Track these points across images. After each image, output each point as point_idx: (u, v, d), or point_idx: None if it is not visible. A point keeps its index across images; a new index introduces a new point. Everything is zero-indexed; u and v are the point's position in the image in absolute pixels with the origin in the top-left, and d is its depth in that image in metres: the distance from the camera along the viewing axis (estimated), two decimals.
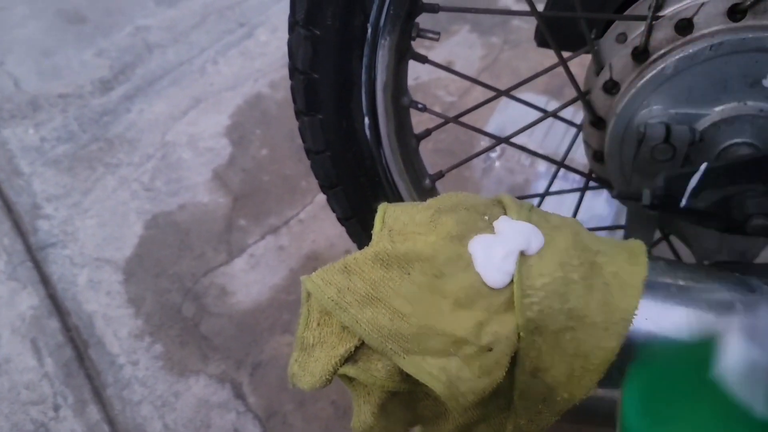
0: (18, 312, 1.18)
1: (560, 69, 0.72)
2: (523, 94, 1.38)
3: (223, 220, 1.32)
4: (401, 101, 0.77)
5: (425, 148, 1.10)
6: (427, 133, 0.83)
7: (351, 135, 0.77)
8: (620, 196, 0.63)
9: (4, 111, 1.54)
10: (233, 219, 1.32)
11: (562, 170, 0.85)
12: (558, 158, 0.83)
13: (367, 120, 0.76)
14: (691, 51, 0.60)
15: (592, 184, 0.80)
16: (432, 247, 0.47)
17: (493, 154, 1.31)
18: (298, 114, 0.77)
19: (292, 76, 0.74)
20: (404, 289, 0.45)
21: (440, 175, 0.85)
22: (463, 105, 1.51)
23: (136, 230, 1.31)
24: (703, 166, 0.57)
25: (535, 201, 0.90)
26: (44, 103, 1.56)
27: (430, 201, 0.54)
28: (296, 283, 1.19)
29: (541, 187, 1.27)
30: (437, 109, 1.49)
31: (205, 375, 1.10)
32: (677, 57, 0.61)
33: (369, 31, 0.70)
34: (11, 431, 1.04)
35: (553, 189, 0.88)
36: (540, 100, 1.40)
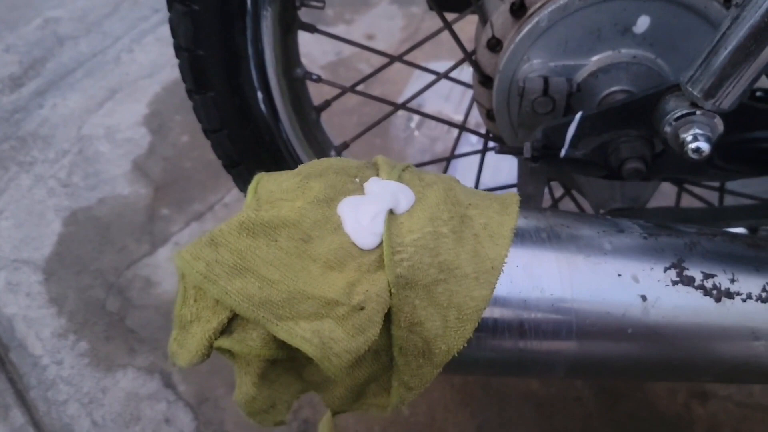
0: None
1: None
2: (440, 62, 1.38)
3: (144, 211, 1.29)
4: (294, 73, 0.77)
5: (349, 122, 1.09)
6: (327, 104, 0.82)
7: (246, 111, 0.76)
8: (502, 152, 0.63)
9: None
10: (155, 209, 1.29)
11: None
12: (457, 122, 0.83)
13: (260, 94, 0.75)
14: (561, 2, 0.61)
15: (491, 144, 0.81)
16: (298, 212, 0.47)
17: (413, 124, 1.31)
18: (190, 93, 0.76)
19: (177, 54, 0.72)
20: (271, 256, 0.45)
21: (345, 145, 0.85)
22: (385, 77, 1.51)
23: (55, 228, 1.27)
24: (578, 116, 0.58)
25: (443, 166, 0.90)
26: None
27: (300, 167, 0.53)
28: None
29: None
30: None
31: (132, 368, 1.08)
32: (550, 9, 0.62)
33: (249, 2, 0.68)
34: None
35: (460, 152, 0.89)
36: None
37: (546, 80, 0.61)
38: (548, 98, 0.62)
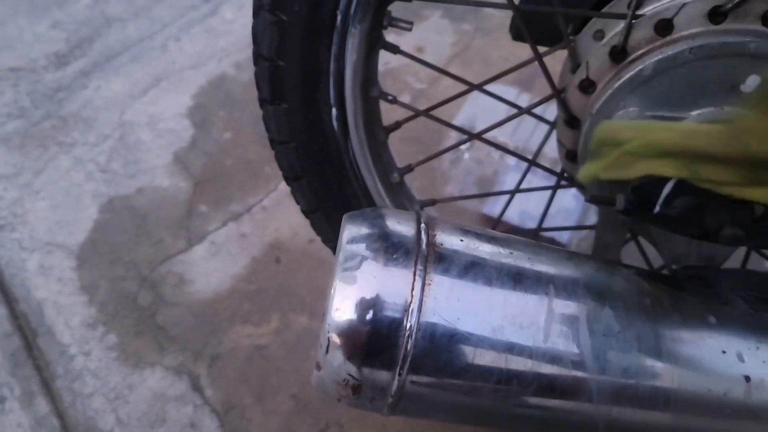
0: None
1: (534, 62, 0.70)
2: (493, 85, 1.36)
3: (183, 206, 1.27)
4: (371, 92, 0.74)
5: (392, 137, 1.07)
6: (397, 125, 0.80)
7: (317, 126, 0.74)
8: (594, 201, 0.61)
9: None
10: (194, 204, 1.27)
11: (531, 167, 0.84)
12: (528, 152, 0.81)
13: (334, 111, 0.72)
14: (670, 53, 0.59)
15: (563, 183, 0.79)
16: None
17: (462, 146, 1.28)
18: (263, 102, 0.74)
19: (256, 62, 0.70)
20: None
21: (409, 169, 0.82)
22: (432, 92, 1.49)
23: (91, 214, 1.26)
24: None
25: (505, 198, 0.88)
26: None
27: None
28: (258, 273, 1.16)
29: (510, 180, 1.25)
30: (406, 96, 1.46)
31: (161, 367, 1.07)
32: (656, 58, 0.59)
33: (339, 18, 0.66)
34: None
35: (522, 185, 0.87)
36: (511, 92, 1.38)
37: None
38: None
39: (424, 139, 1.35)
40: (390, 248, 0.47)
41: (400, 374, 0.45)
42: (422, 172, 1.28)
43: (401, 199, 0.84)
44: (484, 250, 0.49)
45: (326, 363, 0.46)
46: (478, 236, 0.51)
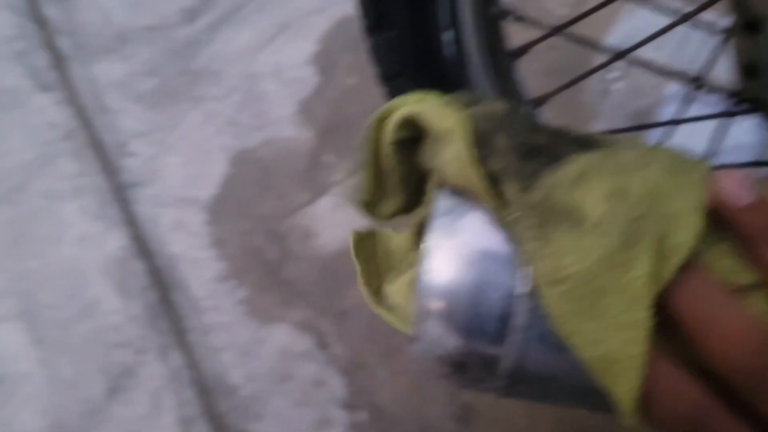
0: (106, 253, 1.16)
1: None
2: None
3: (308, 157, 1.23)
4: (490, 10, 0.63)
5: (532, 70, 0.95)
6: (524, 49, 0.68)
7: (430, 54, 0.64)
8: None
9: (93, 46, 1.51)
10: (318, 155, 1.22)
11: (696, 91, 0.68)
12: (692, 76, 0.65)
13: (448, 34, 0.62)
14: None
15: (738, 108, 0.62)
16: None
17: (612, 74, 1.11)
18: (369, 31, 0.64)
19: None
20: None
21: (542, 100, 0.70)
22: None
23: (221, 168, 1.25)
24: None
25: (663, 130, 0.73)
26: (131, 36, 1.52)
27: None
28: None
29: (672, 113, 1.07)
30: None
31: (287, 322, 1.04)
32: None
33: None
34: (98, 373, 1.03)
35: (687, 115, 0.71)
36: (672, 3, 1.18)
37: None
38: None
39: (567, 68, 1.19)
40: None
41: (513, 351, 0.35)
42: (564, 107, 1.13)
43: None
44: None
45: (423, 335, 0.37)
46: None
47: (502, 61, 0.67)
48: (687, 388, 0.32)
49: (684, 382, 0.32)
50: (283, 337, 1.03)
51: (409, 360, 0.96)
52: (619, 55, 0.64)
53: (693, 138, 0.95)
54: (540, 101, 0.71)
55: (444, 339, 0.37)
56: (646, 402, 0.32)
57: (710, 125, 0.71)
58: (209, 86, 1.39)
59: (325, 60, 1.37)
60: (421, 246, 0.38)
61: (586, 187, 0.36)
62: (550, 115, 1.07)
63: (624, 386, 0.33)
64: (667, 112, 1.09)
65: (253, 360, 1.01)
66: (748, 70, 0.56)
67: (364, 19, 0.64)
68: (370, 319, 1.00)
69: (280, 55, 1.42)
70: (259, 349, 1.02)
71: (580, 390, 0.37)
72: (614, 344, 0.33)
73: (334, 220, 1.13)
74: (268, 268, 1.10)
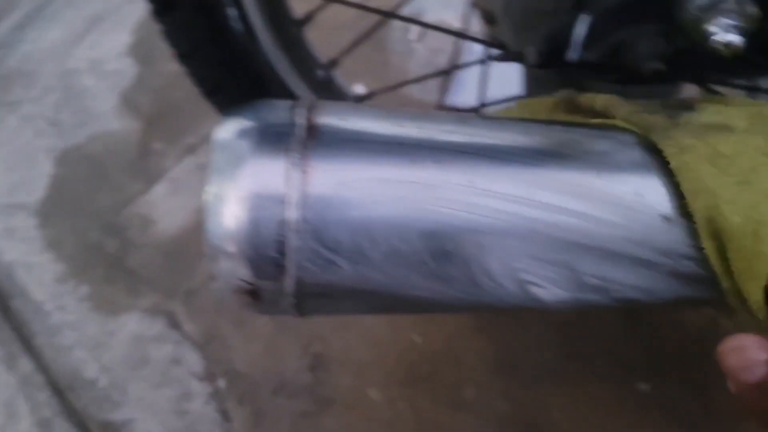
0: None
1: None
2: None
3: (137, 146, 1.23)
4: None
5: (343, 39, 1.01)
6: (309, 17, 0.74)
7: (219, 31, 0.68)
8: (503, 59, 0.56)
9: None
10: (147, 143, 1.23)
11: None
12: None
13: (231, 11, 0.67)
14: None
15: (494, 52, 0.73)
16: None
17: (411, 35, 1.21)
18: (156, 15, 0.68)
19: None
20: None
21: (334, 63, 0.77)
22: None
23: (47, 169, 1.22)
24: (587, 15, 0.50)
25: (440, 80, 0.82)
26: None
27: None
28: None
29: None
30: None
31: (137, 310, 1.06)
32: None
33: None
34: None
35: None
36: None
37: None
38: None
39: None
40: (264, 140, 0.42)
41: (292, 271, 0.42)
42: (372, 70, 1.22)
43: (332, 97, 0.79)
44: (376, 127, 0.44)
45: (217, 272, 0.43)
46: (372, 114, 0.46)
47: (289, 30, 0.73)
48: None
49: None
50: (134, 324, 1.04)
51: (259, 324, 1.01)
52: (390, 14, 0.72)
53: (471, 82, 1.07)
54: (333, 63, 0.78)
55: (235, 272, 0.43)
56: None
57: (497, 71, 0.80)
58: (23, 89, 1.34)
59: (142, 49, 1.37)
60: (204, 191, 0.43)
61: (726, 113, 0.45)
62: (360, 77, 1.16)
63: (760, 254, 0.37)
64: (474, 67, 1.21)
65: (106, 352, 1.02)
66: (488, 18, 0.66)
67: (150, 2, 0.67)
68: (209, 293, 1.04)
69: (95, 49, 1.39)
70: (110, 341, 1.03)
71: (371, 290, 0.44)
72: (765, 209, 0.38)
73: (171, 204, 1.15)
74: (110, 261, 1.10)
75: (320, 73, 0.77)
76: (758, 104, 0.46)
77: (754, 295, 0.38)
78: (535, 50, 0.52)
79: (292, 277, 0.42)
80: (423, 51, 1.22)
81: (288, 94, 0.75)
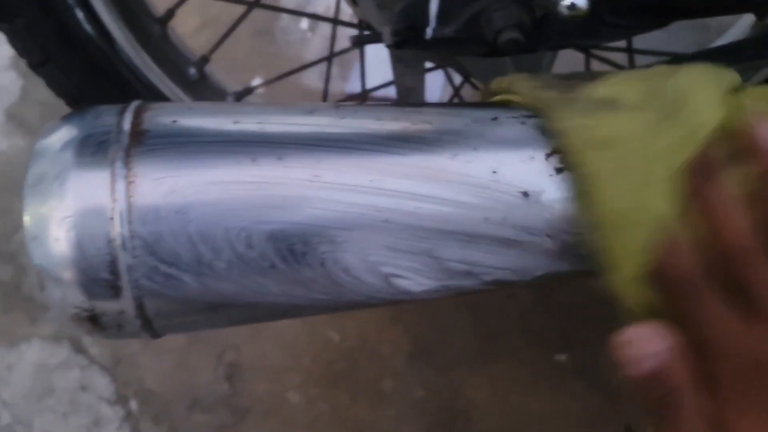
0: None
1: None
2: None
3: (25, 166, 1.16)
4: None
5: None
6: (171, 13, 0.70)
7: (70, 36, 0.63)
8: (359, 42, 0.53)
9: None
10: None
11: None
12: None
13: (79, 13, 0.62)
14: None
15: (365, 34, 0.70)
16: None
17: (303, 25, 1.18)
18: None
19: None
20: None
21: (205, 60, 0.73)
22: None
23: None
24: None
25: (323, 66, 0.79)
26: None
27: None
28: None
29: (374, 51, 1.15)
30: None
31: (37, 338, 0.99)
32: None
33: None
34: None
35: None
36: None
37: None
38: None
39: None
40: (86, 150, 0.39)
41: (130, 291, 0.38)
42: (269, 63, 1.18)
43: (208, 95, 0.75)
44: (213, 126, 0.41)
45: (49, 301, 0.40)
46: (209, 112, 0.43)
47: (150, 29, 0.69)
48: (689, 260, 0.34)
49: (688, 253, 0.34)
50: (35, 354, 0.98)
51: (168, 339, 0.97)
52: (254, 4, 0.68)
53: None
54: (204, 60, 0.73)
55: (68, 299, 0.39)
56: (653, 265, 0.36)
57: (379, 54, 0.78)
58: None
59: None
60: (23, 212, 0.39)
61: (621, 86, 0.42)
62: (257, 71, 1.12)
63: (635, 241, 0.37)
64: (371, 53, 1.18)
65: (5, 387, 0.96)
66: None
67: None
68: None
69: None
70: (11, 374, 0.97)
71: (223, 302, 0.41)
72: (647, 198, 0.37)
73: None
74: (5, 290, 1.04)
75: (192, 71, 0.73)
76: (657, 74, 0.44)
77: (627, 287, 0.37)
78: (390, 30, 0.50)
79: (131, 298, 0.39)
80: (318, 39, 1.18)
81: (159, 97, 0.71)
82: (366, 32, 0.69)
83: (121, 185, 0.37)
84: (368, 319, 0.95)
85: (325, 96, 0.79)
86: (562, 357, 0.89)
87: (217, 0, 0.68)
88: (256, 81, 1.12)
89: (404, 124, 0.42)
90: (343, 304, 0.43)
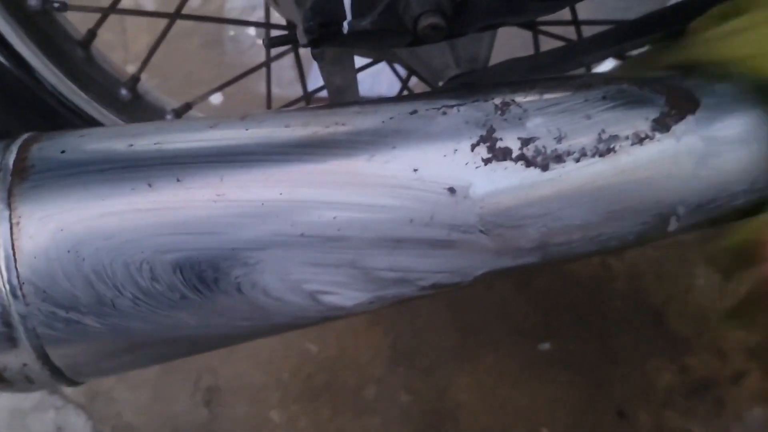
0: None
1: None
2: None
3: None
4: (26, 6, 0.60)
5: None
6: (92, 35, 0.66)
7: None
8: (272, 44, 0.50)
9: None
10: None
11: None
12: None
13: None
14: None
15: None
16: None
17: (252, 32, 1.14)
18: None
19: None
20: None
21: (136, 79, 0.70)
22: None
23: None
24: None
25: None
26: None
27: None
28: None
29: None
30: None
31: None
32: None
33: None
34: None
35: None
36: None
37: None
38: None
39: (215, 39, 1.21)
40: None
41: (29, 341, 0.35)
42: (224, 74, 1.14)
43: (143, 116, 0.72)
44: (105, 153, 0.38)
45: None
46: (102, 138, 0.39)
47: (72, 53, 0.66)
48: None
49: None
50: (7, 399, 0.95)
51: (144, 369, 0.94)
52: (177, 15, 0.65)
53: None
54: (135, 79, 0.70)
55: None
56: None
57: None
58: None
59: None
60: None
61: None
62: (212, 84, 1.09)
63: None
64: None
65: None
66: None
67: None
68: None
69: None
70: None
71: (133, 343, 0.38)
72: None
73: None
74: None
75: (124, 92, 0.69)
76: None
77: None
78: (304, 29, 0.46)
79: (31, 349, 0.36)
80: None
81: (92, 124, 0.67)
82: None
83: (4, 228, 0.34)
84: (345, 326, 0.92)
85: (268, 102, 0.76)
86: (545, 346, 0.86)
87: (140, 15, 0.65)
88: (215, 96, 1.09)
89: (315, 128, 0.39)
90: (272, 328, 0.40)
